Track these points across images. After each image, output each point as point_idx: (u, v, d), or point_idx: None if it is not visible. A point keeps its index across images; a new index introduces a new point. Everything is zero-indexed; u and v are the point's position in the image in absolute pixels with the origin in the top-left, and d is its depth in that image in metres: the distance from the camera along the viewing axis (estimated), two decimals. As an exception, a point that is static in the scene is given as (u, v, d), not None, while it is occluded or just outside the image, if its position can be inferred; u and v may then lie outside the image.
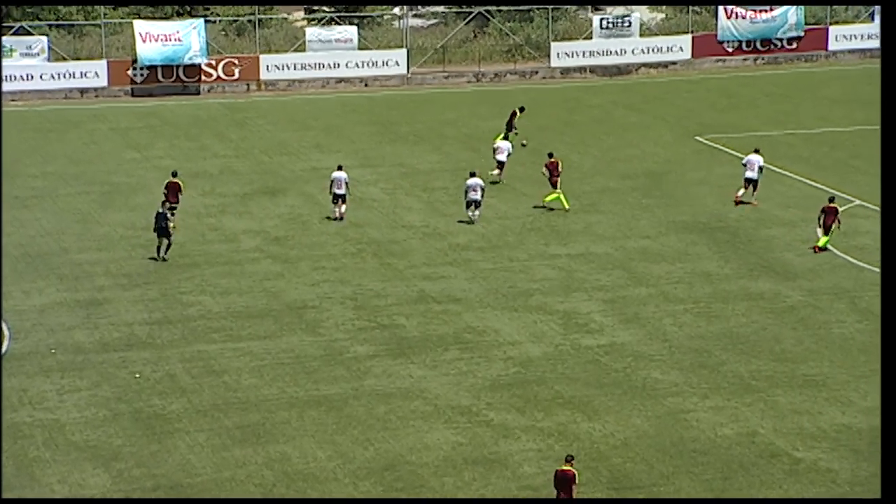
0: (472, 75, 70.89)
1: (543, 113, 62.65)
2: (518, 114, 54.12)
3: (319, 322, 36.91)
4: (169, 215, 41.79)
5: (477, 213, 45.58)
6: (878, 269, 39.59)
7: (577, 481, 26.04)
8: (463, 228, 44.91)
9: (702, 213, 46.25)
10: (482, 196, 45.43)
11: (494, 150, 50.11)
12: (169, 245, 41.83)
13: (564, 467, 26.20)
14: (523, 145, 51.59)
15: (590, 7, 77.90)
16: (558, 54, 71.20)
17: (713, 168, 52.17)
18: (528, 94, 67.29)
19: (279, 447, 29.68)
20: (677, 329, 36.03)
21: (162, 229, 41.60)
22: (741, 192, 47.08)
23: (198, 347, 35.14)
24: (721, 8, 71.60)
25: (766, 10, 71.92)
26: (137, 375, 33.27)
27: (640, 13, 75.06)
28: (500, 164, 49.86)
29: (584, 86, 69.41)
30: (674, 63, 71.97)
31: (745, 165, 47.33)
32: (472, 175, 45.78)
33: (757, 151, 47.54)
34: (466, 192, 45.49)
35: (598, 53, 71.20)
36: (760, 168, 46.93)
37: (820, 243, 42.15)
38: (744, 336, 35.43)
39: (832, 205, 42.58)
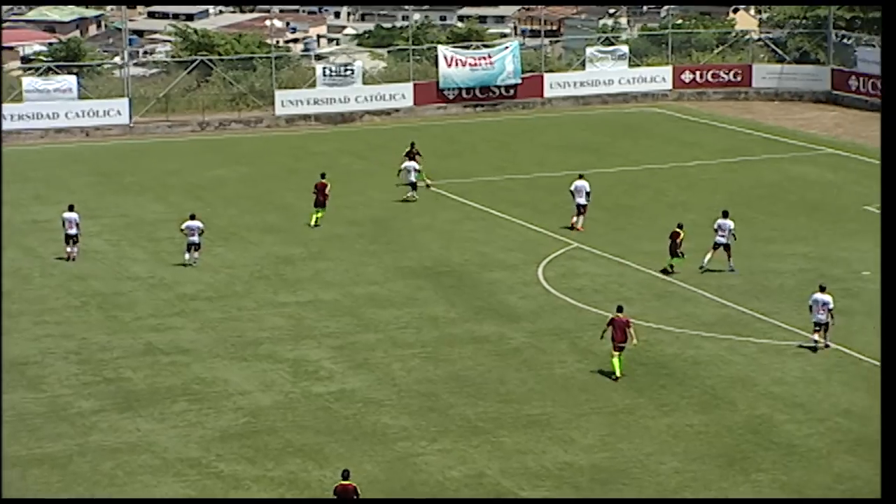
0: (197, 124, 70.49)
1: (269, 161, 62.75)
2: (412, 148, 56.24)
3: (42, 378, 36.03)
4: None
5: (196, 255, 45.54)
6: (595, 310, 40.91)
7: (358, 493, 26.99)
8: (191, 278, 44.55)
9: (428, 257, 47.01)
10: (200, 238, 45.50)
11: (401, 171, 54.48)
12: None
13: (344, 482, 27.14)
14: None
15: (313, 56, 78.47)
16: (283, 102, 71.45)
17: (437, 213, 53.09)
18: (253, 142, 67.32)
19: (2, 509, 28.82)
20: (406, 374, 36.49)
21: None
22: (574, 218, 49.68)
23: (-87, 409, 33.84)
24: (441, 56, 73.08)
25: (484, 58, 73.71)
26: None
27: (361, 61, 76.05)
28: (412, 185, 53.95)
29: (309, 133, 69.79)
30: (397, 110, 73.05)
31: (572, 192, 49.80)
32: (192, 217, 45.84)
33: (581, 177, 50.37)
34: (185, 233, 45.59)
35: (322, 101, 71.75)
36: (587, 193, 49.32)
37: (673, 261, 44.01)
38: (470, 378, 36.11)
39: (677, 229, 44.02)
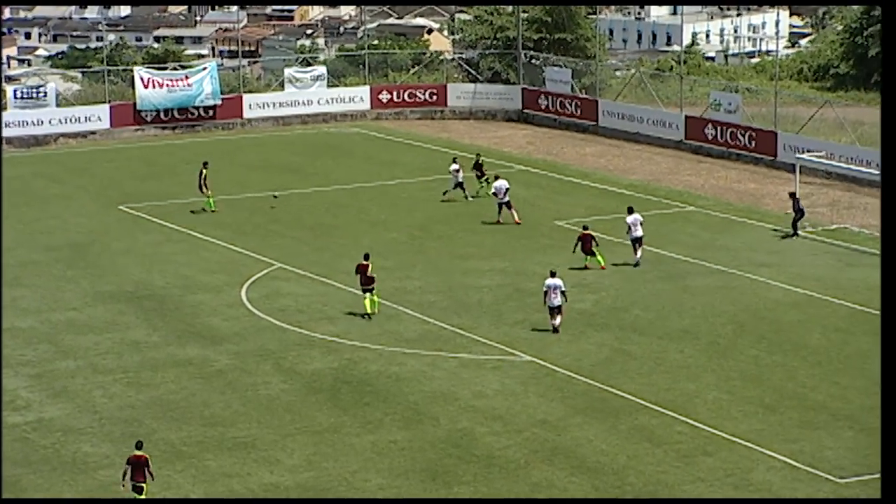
0: None
1: (-41, 186, 60.76)
2: (477, 159, 58.18)
3: None
4: None
5: None
6: (299, 329, 41.12)
7: (150, 464, 29.19)
8: None
9: (128, 282, 46.35)
10: None
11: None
12: None
13: (137, 453, 29.16)
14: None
15: (3, 78, 76.43)
16: (-28, 125, 69.23)
17: (138, 236, 52.39)
18: (-59, 166, 65.00)
19: None
20: (107, 400, 35.94)
21: None
22: (503, 215, 52.43)
23: None
24: (138, 78, 72.14)
25: (182, 79, 73.13)
26: None
27: (55, 83, 74.41)
28: (458, 185, 56.29)
29: (1, 157, 67.84)
30: (93, 133, 71.71)
31: (495, 195, 52.50)
32: None
33: (498, 178, 53.27)
34: None
35: (13, 124, 69.78)
36: (507, 190, 52.11)
37: (592, 262, 45.53)
38: (174, 403, 35.81)
39: (587, 232, 45.59)
